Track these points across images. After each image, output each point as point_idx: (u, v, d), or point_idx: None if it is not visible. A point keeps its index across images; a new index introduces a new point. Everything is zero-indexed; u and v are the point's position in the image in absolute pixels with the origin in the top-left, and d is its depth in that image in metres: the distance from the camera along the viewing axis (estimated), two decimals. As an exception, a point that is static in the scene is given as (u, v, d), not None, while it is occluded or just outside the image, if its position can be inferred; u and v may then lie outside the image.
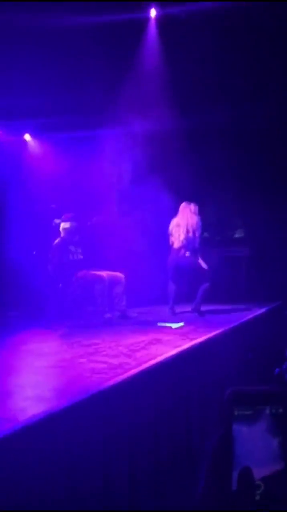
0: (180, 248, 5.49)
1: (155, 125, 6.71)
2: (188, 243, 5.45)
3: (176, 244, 5.52)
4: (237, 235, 7.58)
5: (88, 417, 2.38)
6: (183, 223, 5.49)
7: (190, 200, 5.71)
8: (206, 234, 7.17)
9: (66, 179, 6.78)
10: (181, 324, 4.80)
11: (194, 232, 5.46)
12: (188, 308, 5.63)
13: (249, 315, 5.26)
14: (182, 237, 5.46)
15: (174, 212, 5.72)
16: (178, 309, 5.67)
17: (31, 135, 7.43)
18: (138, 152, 6.83)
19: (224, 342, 4.22)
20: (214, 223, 7.45)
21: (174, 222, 5.59)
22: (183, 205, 5.65)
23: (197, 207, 5.61)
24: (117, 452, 2.55)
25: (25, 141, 7.46)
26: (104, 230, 6.75)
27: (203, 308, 5.53)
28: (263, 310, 5.67)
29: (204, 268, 5.52)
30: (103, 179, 6.83)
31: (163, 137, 6.83)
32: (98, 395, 2.49)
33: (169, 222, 5.67)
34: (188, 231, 5.45)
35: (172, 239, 5.58)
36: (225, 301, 6.25)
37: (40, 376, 2.97)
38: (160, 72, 6.64)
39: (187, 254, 5.46)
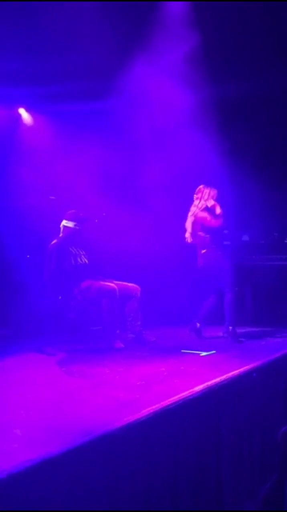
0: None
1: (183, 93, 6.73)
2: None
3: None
4: None
5: (90, 466, 2.40)
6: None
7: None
8: (245, 237, 7.16)
9: (70, 165, 6.83)
10: (212, 352, 4.82)
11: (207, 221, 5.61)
12: (220, 332, 5.65)
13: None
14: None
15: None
16: (208, 332, 5.68)
17: (26, 108, 7.52)
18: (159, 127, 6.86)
19: (266, 376, 4.21)
20: (256, 224, 7.43)
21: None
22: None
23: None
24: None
25: (18, 116, 7.54)
26: (117, 229, 6.78)
27: (240, 330, 5.54)
28: None
29: (226, 272, 5.56)
30: (116, 164, 6.89)
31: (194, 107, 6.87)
32: (103, 439, 2.50)
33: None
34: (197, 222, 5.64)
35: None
36: (270, 323, 6.22)
37: (32, 412, 3.00)
38: (188, 19, 6.61)
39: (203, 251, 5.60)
